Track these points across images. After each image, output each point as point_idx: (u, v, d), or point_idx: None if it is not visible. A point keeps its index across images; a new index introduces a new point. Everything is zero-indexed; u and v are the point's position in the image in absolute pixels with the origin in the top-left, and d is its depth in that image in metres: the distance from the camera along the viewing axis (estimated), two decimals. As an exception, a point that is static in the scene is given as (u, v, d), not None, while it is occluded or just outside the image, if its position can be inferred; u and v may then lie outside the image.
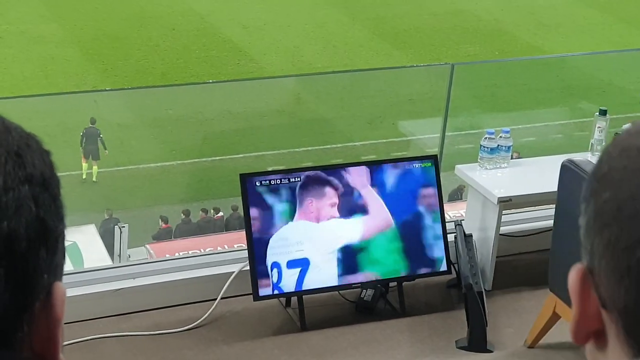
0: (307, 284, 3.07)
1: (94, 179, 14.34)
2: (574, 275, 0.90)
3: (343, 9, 23.76)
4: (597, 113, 4.15)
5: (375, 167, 3.21)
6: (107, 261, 9.46)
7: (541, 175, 3.63)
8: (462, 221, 3.37)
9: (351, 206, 3.26)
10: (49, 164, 0.89)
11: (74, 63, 19.80)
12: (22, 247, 0.83)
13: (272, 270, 3.15)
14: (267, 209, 3.21)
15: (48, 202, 0.87)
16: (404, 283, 3.16)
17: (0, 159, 0.83)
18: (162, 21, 22.40)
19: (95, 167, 14.31)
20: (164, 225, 12.19)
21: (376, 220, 3.29)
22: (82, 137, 14.18)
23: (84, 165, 14.24)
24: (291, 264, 3.23)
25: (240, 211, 3.01)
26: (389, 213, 3.24)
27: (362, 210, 3.28)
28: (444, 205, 3.31)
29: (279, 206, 3.24)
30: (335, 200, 3.25)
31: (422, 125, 13.94)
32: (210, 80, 18.72)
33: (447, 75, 6.50)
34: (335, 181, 3.17)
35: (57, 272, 0.89)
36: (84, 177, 14.23)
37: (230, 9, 23.41)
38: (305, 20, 22.94)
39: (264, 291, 2.99)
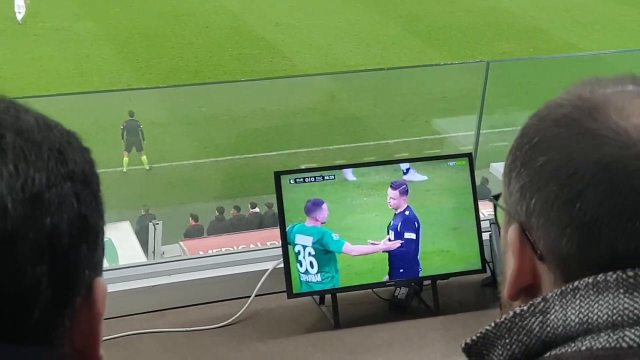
0: (341, 282, 3.07)
1: (147, 167, 14.60)
2: (513, 234, 1.01)
3: (375, 7, 23.74)
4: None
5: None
6: (141, 258, 9.51)
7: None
8: (497, 219, 3.35)
9: (385, 204, 3.25)
10: (89, 161, 0.90)
11: (109, 61, 19.94)
12: (65, 243, 0.84)
13: (306, 268, 3.16)
14: (301, 206, 3.22)
15: (89, 198, 0.88)
16: (438, 282, 3.15)
17: (42, 156, 0.84)
18: (196, 19, 22.51)
19: (144, 157, 14.59)
20: (193, 222, 12.24)
21: (410, 218, 3.29)
22: (122, 131, 14.41)
23: (125, 159, 14.45)
24: (325, 262, 3.23)
25: (275, 208, 3.02)
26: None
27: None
28: (479, 203, 3.29)
29: (313, 204, 3.24)
30: (369, 198, 3.25)
31: (455, 122, 13.89)
32: (244, 79, 18.78)
33: (481, 73, 6.48)
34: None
35: (97, 267, 0.90)
36: (124, 170, 14.43)
37: (263, 6, 23.48)
38: (337, 18, 22.95)
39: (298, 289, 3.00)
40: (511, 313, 0.97)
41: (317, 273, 3.01)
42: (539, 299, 0.96)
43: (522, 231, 1.01)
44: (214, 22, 22.42)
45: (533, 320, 0.96)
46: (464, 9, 23.61)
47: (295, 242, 2.99)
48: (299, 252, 2.99)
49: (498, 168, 3.52)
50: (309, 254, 3.00)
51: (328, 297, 3.06)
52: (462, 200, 3.18)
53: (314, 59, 20.37)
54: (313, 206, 3.01)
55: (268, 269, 3.11)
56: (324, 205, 3.02)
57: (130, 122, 14.38)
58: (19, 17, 22.33)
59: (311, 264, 3.01)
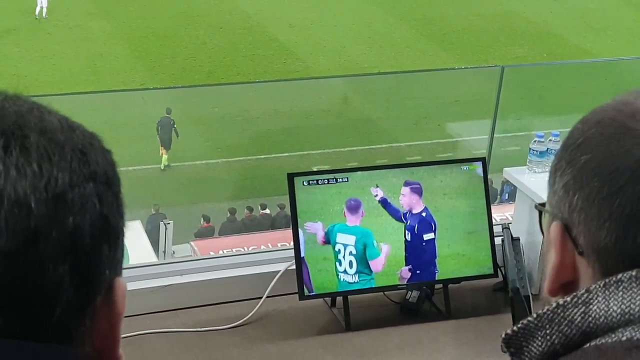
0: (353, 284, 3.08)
1: (165, 164, 14.65)
2: (555, 230, 1.06)
3: (390, 9, 23.73)
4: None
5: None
6: (152, 257, 9.52)
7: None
8: (510, 224, 3.35)
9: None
10: (111, 162, 0.91)
11: (122, 60, 19.98)
12: (86, 243, 0.85)
13: (317, 270, 3.16)
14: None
15: (111, 199, 0.89)
16: (450, 285, 3.14)
17: (66, 157, 0.85)
18: (210, 19, 22.54)
19: (165, 156, 14.61)
20: (205, 224, 12.24)
21: (422, 221, 3.29)
22: (157, 127, 14.50)
23: (164, 156, 14.64)
24: (337, 264, 3.23)
25: (287, 210, 3.01)
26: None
27: (409, 211, 3.28)
28: (491, 207, 3.29)
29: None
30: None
31: (468, 126, 13.88)
32: (257, 80, 18.79)
33: (495, 77, 6.48)
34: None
35: (117, 268, 0.91)
36: (162, 167, 14.64)
37: (277, 7, 23.49)
38: (351, 20, 22.95)
39: (310, 290, 3.01)
40: (554, 304, 1.00)
41: (355, 274, 3.02)
42: (582, 291, 0.99)
43: (564, 228, 1.05)
44: (228, 22, 22.44)
45: (575, 310, 0.98)
46: (477, 13, 23.58)
47: (337, 241, 3.00)
48: (339, 251, 3.00)
49: (511, 173, 3.50)
50: (350, 253, 3.01)
51: (339, 299, 3.06)
52: (475, 204, 3.18)
53: (328, 60, 20.37)
54: (355, 205, 3.02)
55: (280, 271, 3.11)
56: (362, 206, 3.04)
57: (165, 119, 14.52)
58: (43, 11, 22.27)
59: (350, 263, 3.02)
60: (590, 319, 0.97)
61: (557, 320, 0.99)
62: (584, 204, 1.02)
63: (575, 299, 0.99)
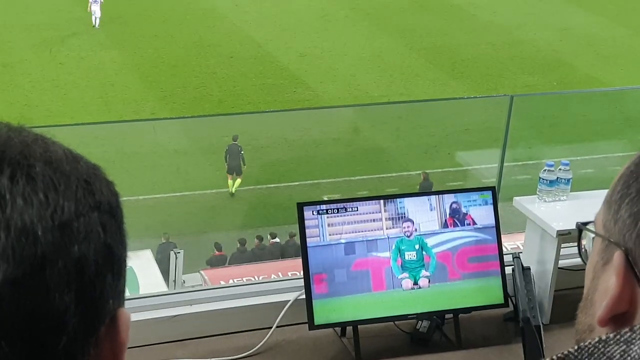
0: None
1: (233, 190, 14.75)
2: (619, 259, 1.01)
3: (399, 38, 23.80)
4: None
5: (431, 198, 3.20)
6: (162, 286, 9.52)
7: (600, 208, 3.56)
8: (520, 254, 3.34)
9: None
10: (114, 193, 0.92)
11: (133, 90, 20.06)
12: (91, 271, 0.85)
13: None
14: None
15: (114, 229, 0.89)
16: (460, 315, 3.13)
17: (71, 186, 0.86)
18: (220, 49, 22.63)
19: (238, 181, 14.74)
20: (217, 252, 12.24)
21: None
22: (225, 154, 14.69)
23: (230, 182, 14.72)
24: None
25: (297, 238, 3.00)
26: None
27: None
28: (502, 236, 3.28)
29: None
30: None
31: (478, 155, 13.87)
32: (267, 110, 18.84)
33: (505, 106, 6.48)
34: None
35: (121, 298, 0.91)
36: (231, 191, 14.75)
37: (288, 37, 23.59)
38: (361, 49, 23.02)
39: (320, 320, 2.99)
40: (597, 338, 0.98)
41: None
42: (627, 329, 0.97)
43: (627, 258, 1.01)
44: (238, 52, 22.53)
45: (616, 348, 0.96)
46: (487, 42, 23.63)
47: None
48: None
49: (522, 202, 3.49)
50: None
51: (349, 329, 3.05)
52: (485, 233, 3.17)
53: (338, 89, 20.41)
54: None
55: (290, 300, 3.10)
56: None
57: (233, 146, 14.65)
58: (96, 21, 24.14)
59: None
60: (629, 358, 0.95)
61: (596, 354, 0.97)
62: None
63: (618, 337, 0.97)
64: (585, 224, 1.12)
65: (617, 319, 1.02)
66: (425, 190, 14.19)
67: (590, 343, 0.98)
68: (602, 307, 1.03)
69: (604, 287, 1.04)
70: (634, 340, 0.96)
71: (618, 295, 1.02)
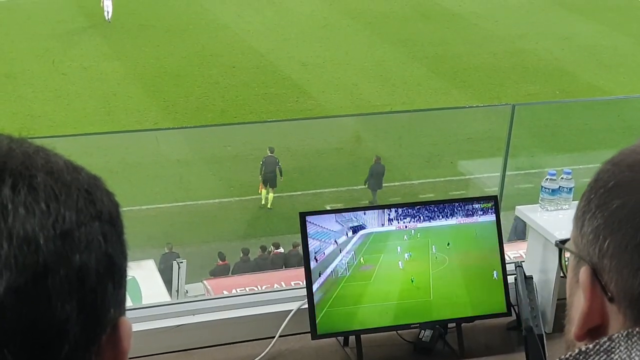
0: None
1: (269, 205, 14.63)
2: (584, 276, 1.03)
3: (402, 47, 23.82)
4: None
5: (434, 207, 3.20)
6: (165, 296, 9.51)
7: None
8: (523, 262, 3.34)
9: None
10: (115, 203, 0.93)
11: (136, 100, 20.07)
12: (92, 280, 0.86)
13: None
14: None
15: (115, 238, 0.90)
16: (463, 324, 3.12)
17: (72, 196, 0.87)
18: (223, 59, 22.65)
19: (271, 194, 14.64)
20: (220, 262, 12.23)
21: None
22: (261, 166, 14.64)
23: (263, 192, 14.65)
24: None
25: (300, 248, 3.00)
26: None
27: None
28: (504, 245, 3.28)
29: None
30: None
31: (480, 164, 13.88)
32: (269, 119, 18.85)
33: (507, 115, 6.48)
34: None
35: (121, 307, 0.92)
36: (262, 202, 14.65)
37: (290, 47, 23.61)
38: (364, 58, 23.03)
39: (322, 329, 2.99)
40: (577, 350, 0.99)
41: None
42: (605, 339, 0.98)
43: (593, 273, 1.03)
44: (241, 62, 22.55)
45: (597, 358, 0.97)
46: (489, 51, 23.63)
47: None
48: None
49: (524, 211, 3.49)
50: None
51: (352, 338, 3.05)
52: (488, 242, 3.17)
53: (340, 98, 20.41)
54: None
55: (292, 310, 3.10)
56: None
57: (269, 158, 14.60)
58: (108, 16, 24.82)
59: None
60: None
61: None
62: (616, 250, 1.00)
63: (598, 347, 0.98)
64: (564, 241, 1.14)
65: (593, 332, 1.03)
66: (376, 174, 14.20)
67: (571, 355, 0.99)
68: (575, 323, 1.05)
69: (578, 303, 1.05)
70: (614, 349, 0.97)
71: (587, 310, 1.03)
